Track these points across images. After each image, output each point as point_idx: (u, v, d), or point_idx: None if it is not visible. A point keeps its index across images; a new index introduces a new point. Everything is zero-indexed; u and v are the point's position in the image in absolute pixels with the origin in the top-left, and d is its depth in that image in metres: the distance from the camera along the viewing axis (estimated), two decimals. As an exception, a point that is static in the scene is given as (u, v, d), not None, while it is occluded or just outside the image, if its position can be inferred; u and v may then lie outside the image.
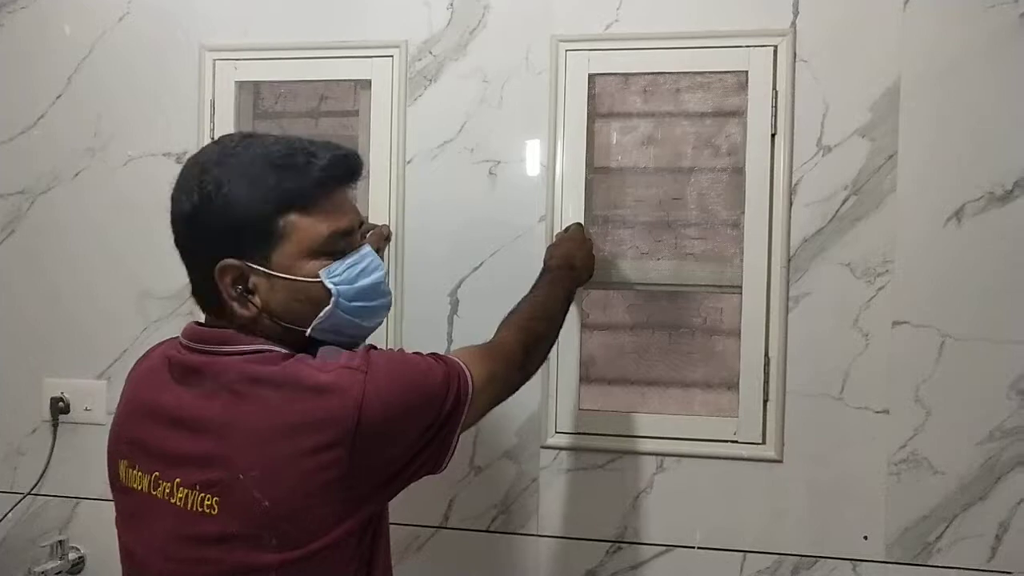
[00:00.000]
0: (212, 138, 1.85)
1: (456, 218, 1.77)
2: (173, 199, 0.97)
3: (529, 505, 1.76)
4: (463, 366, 1.05)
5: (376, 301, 1.03)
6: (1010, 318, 1.59)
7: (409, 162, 1.79)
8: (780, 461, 1.66)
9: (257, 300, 0.96)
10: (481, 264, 1.77)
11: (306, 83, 1.95)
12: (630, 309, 1.92)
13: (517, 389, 1.23)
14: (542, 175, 1.74)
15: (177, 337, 1.03)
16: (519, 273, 1.72)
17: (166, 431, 0.95)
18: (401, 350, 1.05)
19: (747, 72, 1.69)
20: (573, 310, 1.70)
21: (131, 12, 1.89)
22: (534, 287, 1.45)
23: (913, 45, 1.61)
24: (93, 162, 1.89)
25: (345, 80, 1.91)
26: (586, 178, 1.75)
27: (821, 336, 1.65)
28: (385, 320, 1.76)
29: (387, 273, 1.19)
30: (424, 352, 1.06)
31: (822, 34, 1.65)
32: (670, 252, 1.87)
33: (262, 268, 0.94)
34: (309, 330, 0.98)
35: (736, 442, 1.69)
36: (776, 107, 1.66)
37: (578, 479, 1.75)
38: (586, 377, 1.93)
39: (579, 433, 1.76)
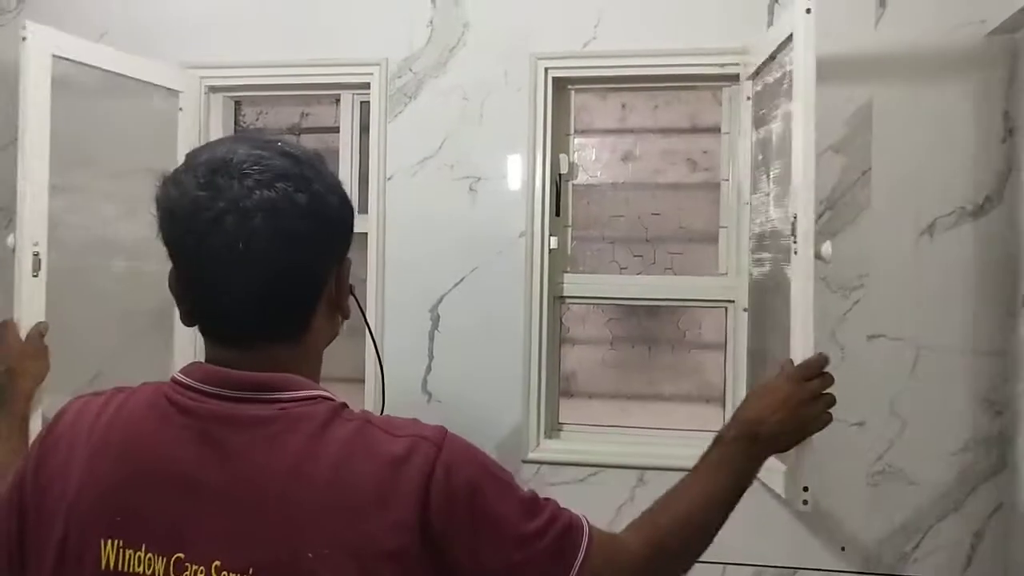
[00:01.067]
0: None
1: (437, 234, 1.78)
2: (270, 200, 0.75)
3: (511, 519, 1.76)
4: (586, 534, 0.81)
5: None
6: (982, 330, 1.62)
7: (390, 178, 1.80)
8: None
9: (351, 302, 0.87)
10: (462, 280, 1.78)
11: (287, 99, 1.96)
12: (610, 323, 1.94)
13: None
14: (522, 191, 1.76)
15: (156, 382, 0.82)
16: (499, 289, 1.75)
17: (191, 500, 0.74)
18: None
19: (723, 87, 1.71)
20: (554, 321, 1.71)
21: (109, 32, 1.89)
22: (696, 467, 0.99)
23: (885, 63, 1.64)
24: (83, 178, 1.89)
25: (327, 94, 1.93)
26: (560, 193, 1.77)
27: (798, 349, 1.67)
28: (367, 335, 1.77)
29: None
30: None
31: (796, 52, 1.67)
32: (649, 266, 1.89)
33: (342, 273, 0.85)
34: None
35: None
36: (755, 125, 1.68)
37: (559, 493, 1.75)
38: (567, 391, 1.94)
39: (559, 449, 1.76)
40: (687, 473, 0.98)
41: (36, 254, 1.45)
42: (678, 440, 1.80)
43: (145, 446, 0.76)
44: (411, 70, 1.80)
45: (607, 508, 1.74)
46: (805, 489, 1.24)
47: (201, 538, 0.72)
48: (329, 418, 0.76)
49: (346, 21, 1.82)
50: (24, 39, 1.45)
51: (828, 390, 1.07)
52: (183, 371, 0.80)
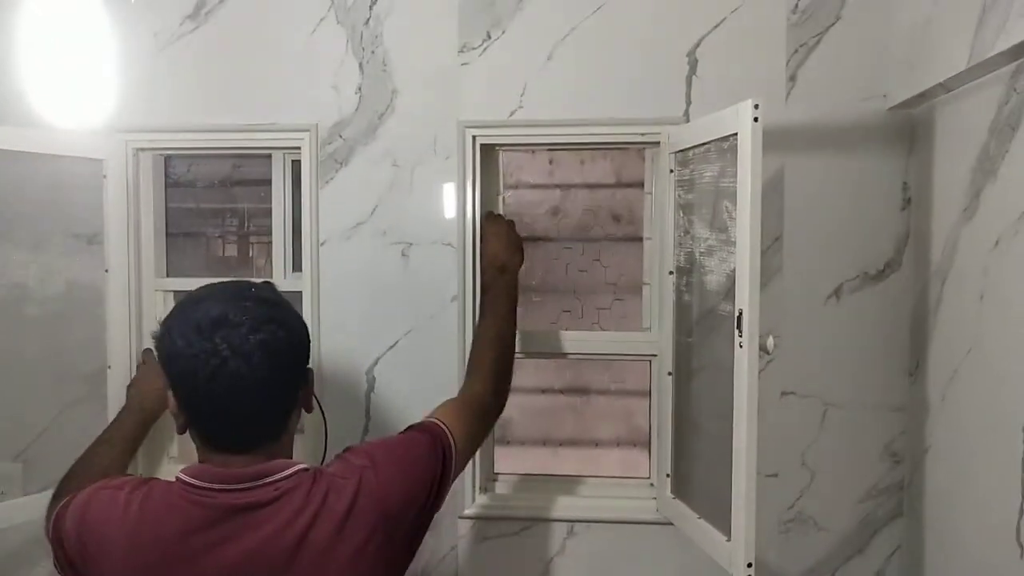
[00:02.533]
0: (129, 216, 1.85)
1: (371, 297, 1.82)
2: (262, 341, 1.01)
3: (447, 573, 1.84)
4: (444, 428, 1.23)
5: None
6: (883, 386, 1.74)
7: (323, 243, 1.83)
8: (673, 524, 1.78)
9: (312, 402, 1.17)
10: (396, 343, 1.83)
11: (217, 152, 1.96)
12: (541, 373, 2.01)
13: (492, 427, 1.51)
14: (454, 256, 1.80)
15: (157, 480, 1.08)
16: (433, 351, 1.81)
17: (229, 570, 1.00)
18: (388, 438, 1.21)
19: (645, 149, 1.78)
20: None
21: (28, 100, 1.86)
22: (481, 314, 1.64)
23: (794, 134, 1.73)
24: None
25: (261, 153, 1.93)
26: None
27: (717, 405, 1.77)
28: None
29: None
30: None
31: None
32: (578, 321, 1.96)
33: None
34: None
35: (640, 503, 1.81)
36: (677, 191, 1.75)
37: (495, 546, 1.84)
38: (503, 439, 2.01)
39: (494, 504, 1.84)
40: (480, 316, 1.62)
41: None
42: (608, 489, 1.89)
43: (173, 541, 1.00)
44: (341, 136, 1.82)
45: (540, 559, 1.83)
46: (749, 565, 1.34)
47: None
48: (310, 484, 1.04)
49: (276, 85, 1.83)
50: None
51: None
52: (189, 473, 1.03)
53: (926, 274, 1.65)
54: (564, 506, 1.84)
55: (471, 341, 1.62)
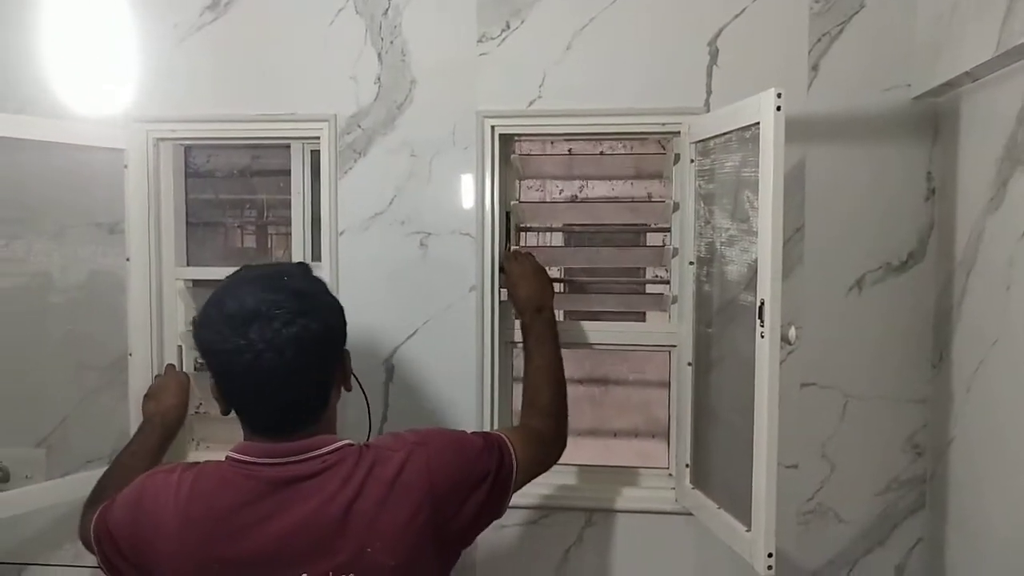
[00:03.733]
0: (150, 206, 1.86)
1: (389, 288, 1.83)
2: (296, 335, 1.04)
3: (467, 561, 1.85)
4: (505, 438, 1.26)
5: None
6: (905, 378, 1.72)
7: (342, 233, 1.83)
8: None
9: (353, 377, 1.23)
10: (415, 332, 1.83)
11: (236, 143, 1.97)
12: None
13: (556, 459, 1.44)
14: (472, 246, 1.80)
15: (206, 461, 1.12)
16: (452, 341, 1.81)
17: (273, 545, 1.04)
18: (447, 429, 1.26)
19: (663, 144, 1.77)
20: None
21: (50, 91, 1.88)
22: (528, 355, 1.57)
23: (816, 124, 1.71)
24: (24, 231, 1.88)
25: (280, 143, 1.94)
26: (511, 246, 1.82)
27: (737, 397, 1.76)
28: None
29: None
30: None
31: (734, 113, 1.73)
32: (597, 311, 1.96)
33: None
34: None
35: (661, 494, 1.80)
36: (697, 182, 1.74)
37: (512, 535, 1.84)
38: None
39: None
40: (527, 359, 1.56)
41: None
42: (627, 479, 1.88)
43: (223, 515, 1.05)
44: (360, 126, 1.82)
45: (558, 548, 1.83)
46: (770, 555, 1.34)
47: (287, 563, 1.03)
48: (357, 457, 1.09)
49: (295, 75, 1.83)
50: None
51: None
52: (237, 450, 1.09)
53: (950, 265, 1.64)
54: (582, 495, 1.84)
55: (523, 382, 1.54)
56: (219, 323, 1.05)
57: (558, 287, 1.79)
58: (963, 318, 1.59)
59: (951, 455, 1.62)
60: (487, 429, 1.82)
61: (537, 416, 1.45)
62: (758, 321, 1.38)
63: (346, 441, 1.11)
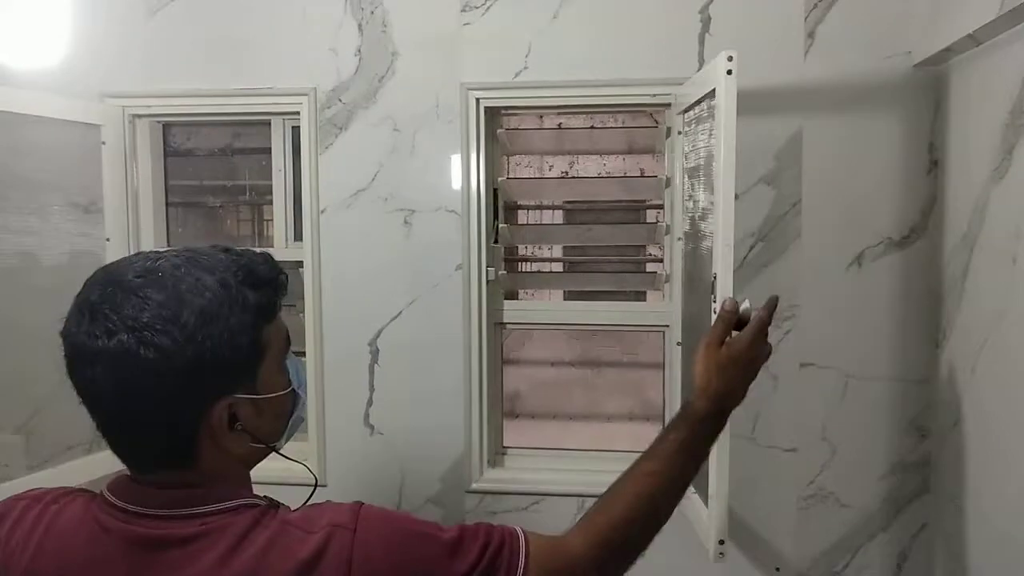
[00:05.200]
0: (128, 184, 1.81)
1: (373, 267, 1.77)
2: (109, 352, 0.73)
3: (454, 548, 1.79)
4: (519, 537, 0.84)
5: (306, 389, 0.99)
6: (908, 358, 1.66)
7: (323, 211, 1.78)
8: (694, 500, 1.72)
9: (248, 432, 0.82)
10: (400, 313, 1.77)
11: (217, 122, 1.91)
12: (553, 345, 1.95)
13: None
14: (457, 223, 1.74)
15: (85, 493, 0.84)
16: (438, 320, 1.75)
17: None
18: (407, 512, 0.87)
19: (655, 117, 1.70)
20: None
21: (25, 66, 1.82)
22: (655, 449, 0.97)
23: (814, 95, 1.64)
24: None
25: (259, 119, 1.88)
26: (499, 224, 1.76)
27: (731, 379, 1.69)
28: (306, 373, 1.76)
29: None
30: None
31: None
32: (588, 291, 1.90)
33: (251, 395, 0.81)
34: (283, 441, 0.90)
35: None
36: (684, 155, 1.68)
37: (504, 521, 1.78)
38: (511, 412, 1.96)
39: (502, 478, 1.78)
40: (648, 451, 0.96)
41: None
42: (620, 464, 1.82)
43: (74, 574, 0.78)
44: (340, 100, 1.76)
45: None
46: (721, 542, 1.28)
47: None
48: (249, 526, 0.77)
49: (273, 48, 1.77)
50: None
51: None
52: (111, 487, 0.81)
53: (954, 239, 1.57)
54: (574, 481, 1.78)
55: (616, 481, 0.95)
56: (72, 307, 0.78)
57: (558, 267, 1.74)
58: (967, 294, 1.52)
59: (956, 437, 1.56)
60: (476, 418, 1.75)
61: (585, 533, 0.90)
62: (711, 296, 1.31)
63: (243, 501, 0.80)
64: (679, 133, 1.65)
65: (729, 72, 1.26)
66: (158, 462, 0.79)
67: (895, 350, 1.66)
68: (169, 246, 1.93)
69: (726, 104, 1.27)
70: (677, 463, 0.96)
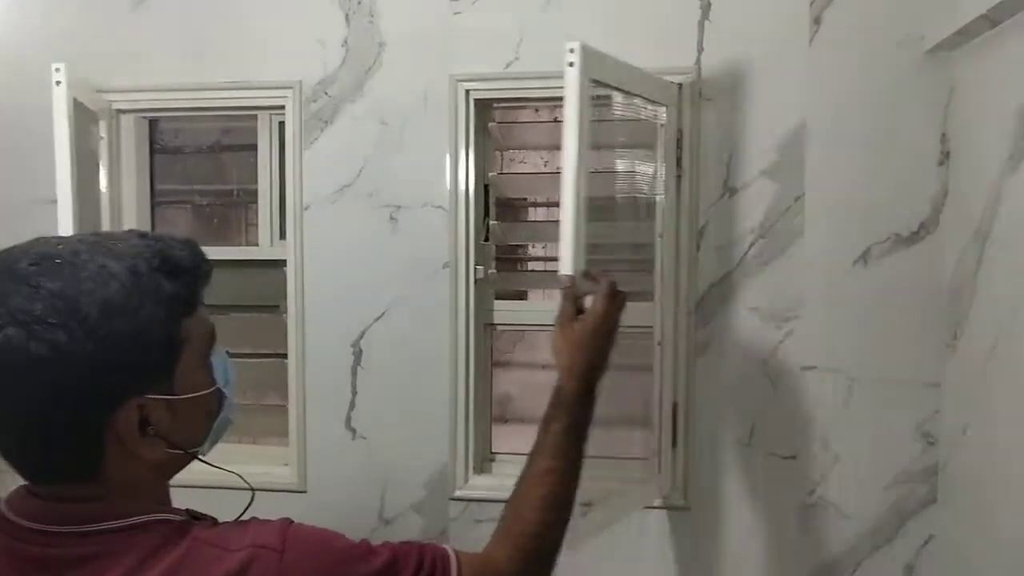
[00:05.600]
0: (112, 181, 1.76)
1: (357, 265, 1.71)
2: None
3: (442, 556, 1.73)
4: (451, 558, 0.82)
5: (234, 388, 0.88)
6: (916, 360, 1.57)
7: (307, 208, 1.72)
8: (688, 508, 1.65)
9: (162, 436, 0.74)
10: (384, 313, 1.72)
11: (205, 118, 1.87)
12: (542, 347, 1.88)
13: None
14: (445, 220, 1.68)
15: None
16: (424, 321, 1.69)
17: None
18: (336, 532, 0.80)
19: (653, 111, 1.63)
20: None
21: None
22: (544, 444, 0.98)
23: (819, 83, 1.57)
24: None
25: (240, 115, 1.83)
26: (489, 221, 1.70)
27: (729, 382, 1.62)
28: (288, 372, 1.71)
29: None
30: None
31: (727, 72, 1.59)
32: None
33: (166, 396, 0.74)
34: (207, 446, 0.82)
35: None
36: (681, 148, 1.61)
37: (489, 530, 1.71)
38: (501, 417, 1.89)
39: (488, 485, 1.72)
40: (537, 448, 0.97)
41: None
42: (611, 471, 1.75)
43: None
44: (327, 93, 1.70)
45: (538, 544, 1.71)
46: None
47: None
48: (158, 545, 0.70)
49: (258, 39, 1.72)
50: None
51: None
52: (8, 500, 0.74)
53: (966, 234, 1.48)
54: (565, 488, 1.71)
55: (516, 484, 0.98)
56: None
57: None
58: (979, 292, 1.44)
59: (966, 444, 1.47)
60: (463, 422, 1.70)
61: (508, 547, 0.91)
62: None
63: (152, 517, 0.72)
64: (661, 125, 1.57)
65: (571, 64, 1.21)
66: (55, 473, 0.72)
67: (902, 352, 1.57)
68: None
69: (568, 97, 1.23)
70: (568, 452, 0.97)
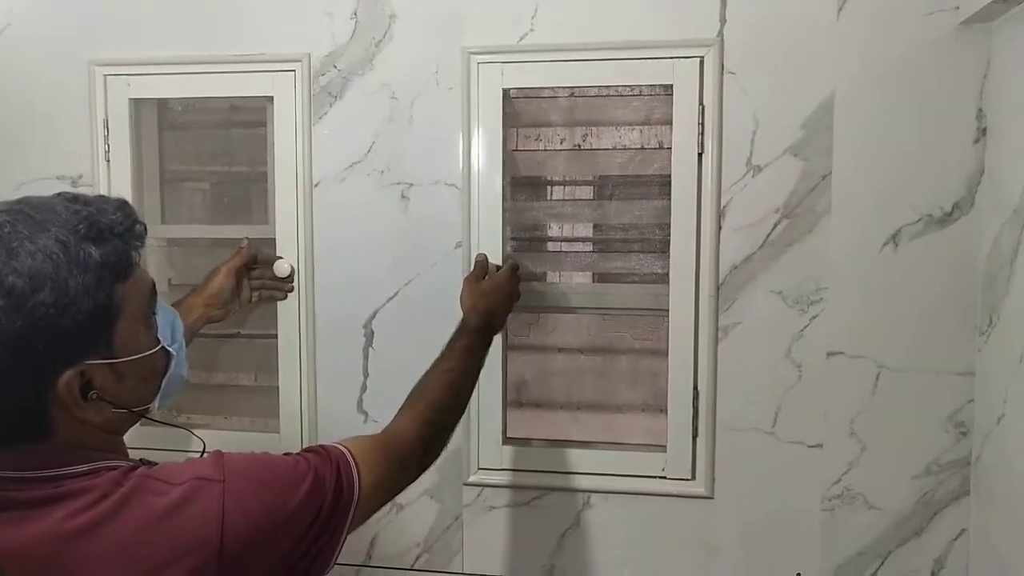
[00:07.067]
0: (107, 160, 1.73)
1: (368, 245, 1.66)
2: None
3: (453, 543, 1.69)
4: (350, 459, 0.93)
5: (182, 345, 0.90)
6: (948, 347, 1.51)
7: (316, 185, 1.67)
8: (711, 498, 1.59)
9: (107, 400, 0.78)
10: (396, 293, 1.67)
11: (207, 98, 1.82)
12: (559, 331, 1.83)
13: (411, 483, 1.08)
14: (458, 198, 1.63)
15: None
16: (436, 302, 1.64)
17: None
18: (264, 452, 0.87)
19: (672, 85, 1.57)
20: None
21: (12, 24, 1.75)
22: (447, 354, 1.27)
23: (847, 56, 1.49)
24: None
25: (246, 96, 1.78)
26: (505, 200, 1.64)
27: (752, 368, 1.56)
28: (297, 357, 1.67)
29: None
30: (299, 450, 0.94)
31: (751, 44, 1.52)
32: (597, 273, 1.77)
33: (107, 360, 0.76)
34: (156, 403, 0.87)
35: (664, 478, 1.62)
36: (703, 124, 1.54)
37: (503, 517, 1.68)
38: (516, 401, 1.84)
39: (503, 469, 1.67)
40: (440, 357, 1.27)
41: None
42: (626, 462, 1.69)
43: None
44: (335, 67, 1.65)
45: (552, 532, 1.66)
46: None
47: None
48: (111, 485, 0.75)
49: (264, 12, 1.67)
50: None
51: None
52: None
53: (1003, 215, 1.41)
54: (580, 475, 1.67)
55: (421, 380, 1.23)
56: None
57: (587, 246, 1.72)
58: (1016, 277, 1.37)
59: (1000, 435, 1.41)
60: (475, 406, 1.65)
61: (410, 418, 1.11)
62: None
63: (104, 464, 0.77)
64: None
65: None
66: (8, 436, 0.75)
67: (933, 338, 1.51)
68: (164, 223, 1.85)
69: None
70: (466, 361, 1.27)
